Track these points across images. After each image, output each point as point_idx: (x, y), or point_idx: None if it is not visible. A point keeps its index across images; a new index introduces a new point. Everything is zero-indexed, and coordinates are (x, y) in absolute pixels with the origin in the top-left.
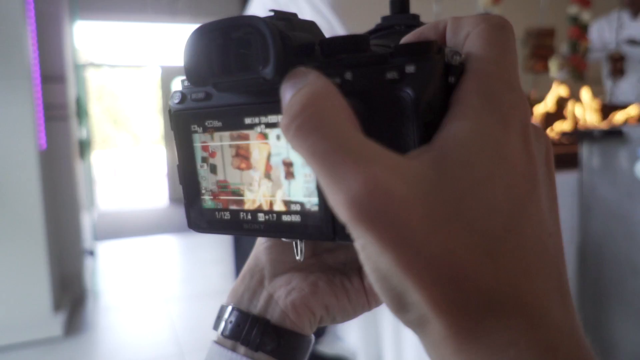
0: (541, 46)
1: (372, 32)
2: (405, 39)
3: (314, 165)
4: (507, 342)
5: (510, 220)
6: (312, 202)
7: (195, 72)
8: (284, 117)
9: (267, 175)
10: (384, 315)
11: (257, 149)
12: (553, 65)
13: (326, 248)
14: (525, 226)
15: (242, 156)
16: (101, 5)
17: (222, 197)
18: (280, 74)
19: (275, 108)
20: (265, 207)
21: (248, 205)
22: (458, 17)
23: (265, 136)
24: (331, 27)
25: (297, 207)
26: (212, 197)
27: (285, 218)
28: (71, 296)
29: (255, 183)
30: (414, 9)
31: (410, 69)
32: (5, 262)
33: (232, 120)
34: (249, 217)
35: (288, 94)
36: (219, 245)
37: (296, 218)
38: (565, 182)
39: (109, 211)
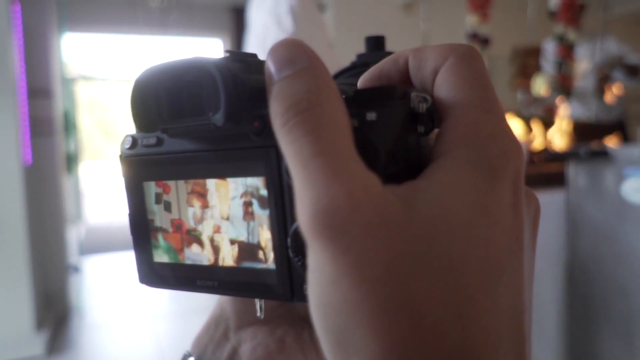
0: (527, 65)
1: (346, 70)
2: (363, 77)
3: (295, 164)
4: None
5: (488, 281)
6: (269, 256)
7: (143, 117)
8: (280, 100)
9: (225, 216)
10: None
11: (214, 186)
12: (538, 83)
13: None
14: (502, 292)
15: (198, 193)
16: (92, 18)
17: (176, 239)
18: (232, 120)
19: (230, 156)
20: (220, 254)
21: (204, 250)
22: (419, 48)
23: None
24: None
25: (254, 265)
26: (165, 239)
27: (240, 276)
28: (55, 313)
29: (212, 223)
30: (402, 27)
31: (371, 116)
32: None
33: (184, 168)
34: (203, 273)
35: (284, 70)
36: None
37: (251, 276)
38: (552, 201)
39: (97, 225)
